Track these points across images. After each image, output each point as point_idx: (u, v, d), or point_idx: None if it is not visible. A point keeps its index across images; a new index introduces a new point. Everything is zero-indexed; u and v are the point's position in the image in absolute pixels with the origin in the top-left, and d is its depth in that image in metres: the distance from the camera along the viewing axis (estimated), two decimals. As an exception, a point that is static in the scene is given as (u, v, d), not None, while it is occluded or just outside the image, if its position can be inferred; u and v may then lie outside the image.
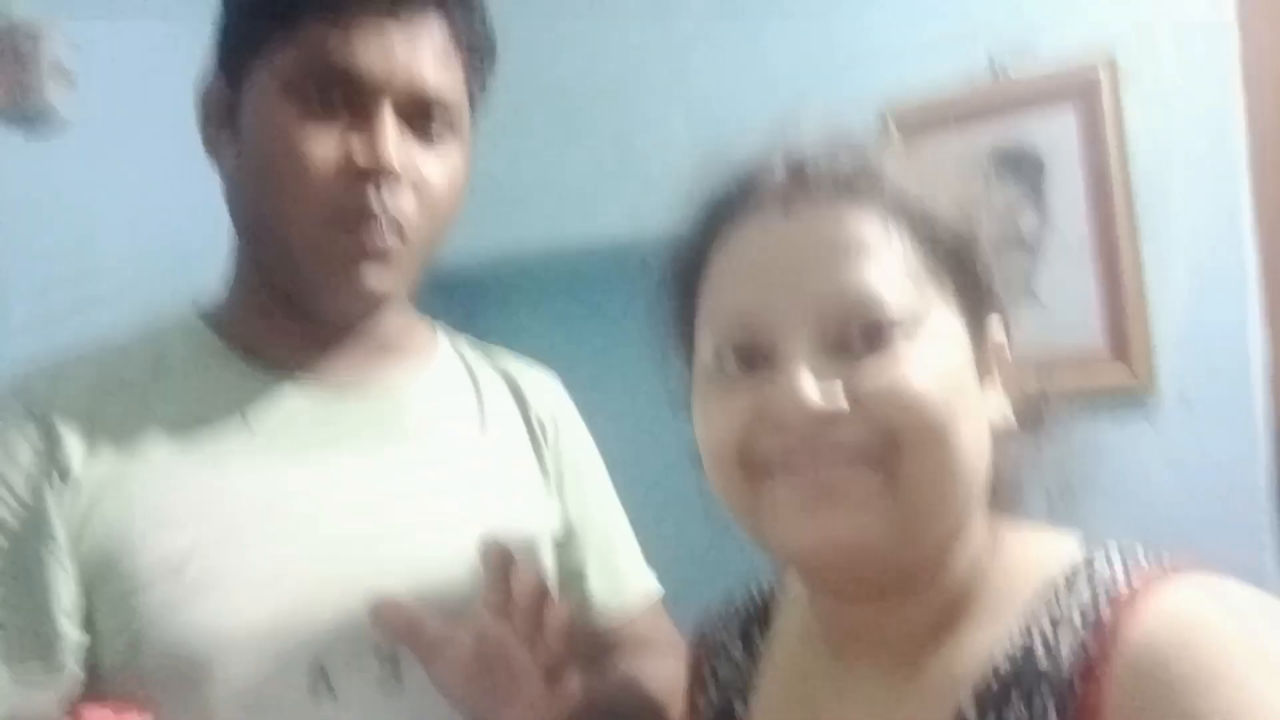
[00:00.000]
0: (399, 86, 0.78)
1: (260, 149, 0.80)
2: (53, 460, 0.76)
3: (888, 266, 0.61)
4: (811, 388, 0.59)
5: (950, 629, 0.64)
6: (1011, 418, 0.66)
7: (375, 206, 0.78)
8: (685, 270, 0.69)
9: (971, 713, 0.59)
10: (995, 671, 0.60)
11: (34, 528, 0.76)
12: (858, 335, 0.60)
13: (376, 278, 0.80)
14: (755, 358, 0.62)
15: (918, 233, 0.62)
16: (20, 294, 1.90)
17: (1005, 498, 0.68)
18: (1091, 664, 0.56)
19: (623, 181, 1.89)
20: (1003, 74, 1.60)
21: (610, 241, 1.78)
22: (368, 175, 0.77)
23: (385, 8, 0.78)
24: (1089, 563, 0.61)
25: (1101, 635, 0.56)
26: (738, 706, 0.74)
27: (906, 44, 1.68)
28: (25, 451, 0.77)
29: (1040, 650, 0.58)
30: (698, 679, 0.79)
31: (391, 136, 0.78)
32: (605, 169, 1.94)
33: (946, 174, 0.68)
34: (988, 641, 0.61)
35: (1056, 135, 1.57)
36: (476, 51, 0.85)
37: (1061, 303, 1.53)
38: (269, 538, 0.79)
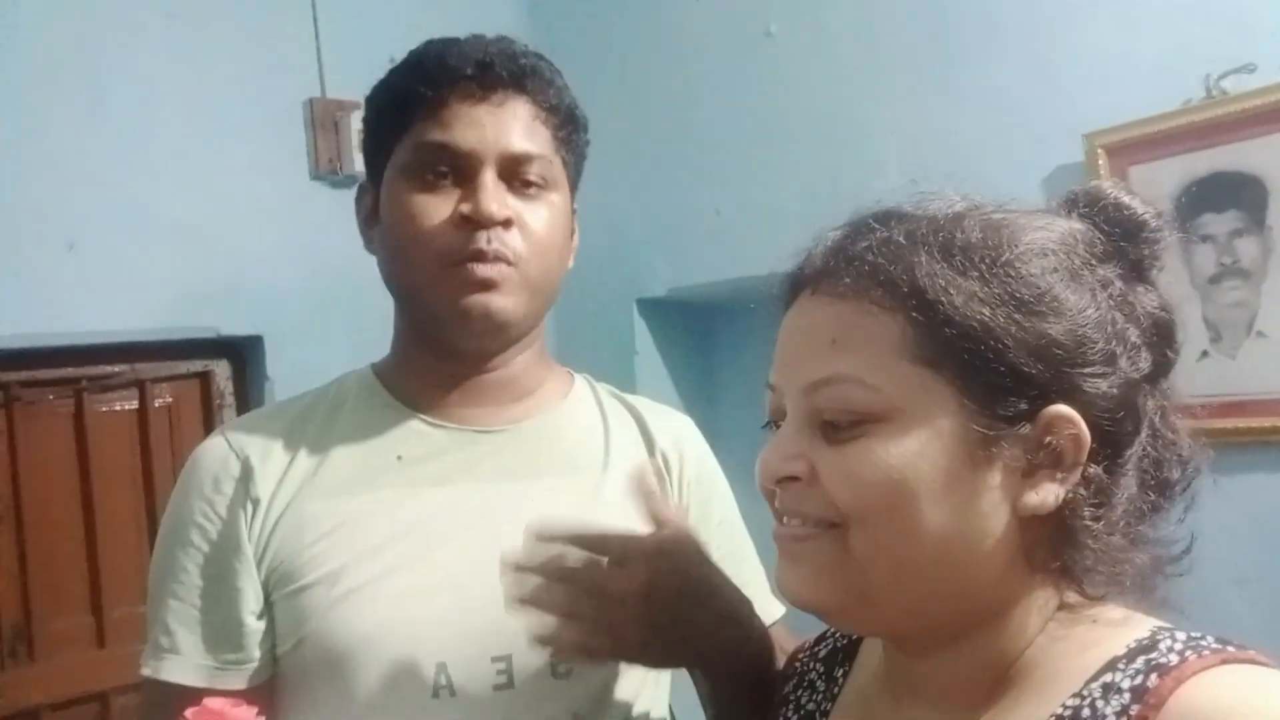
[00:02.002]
0: (492, 154, 0.94)
1: (391, 220, 0.97)
2: (247, 491, 0.94)
3: (865, 356, 0.63)
4: (773, 455, 0.66)
5: (1007, 692, 0.65)
6: (1049, 504, 0.64)
7: (483, 246, 0.93)
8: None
9: None
10: None
11: (230, 543, 0.93)
12: (828, 417, 0.64)
13: (495, 302, 0.94)
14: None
15: (920, 321, 0.63)
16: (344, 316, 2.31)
17: (1085, 575, 0.67)
18: None
19: (835, 213, 1.97)
20: (1220, 94, 1.53)
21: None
22: (473, 223, 0.92)
23: (475, 99, 0.94)
24: (1154, 643, 0.61)
25: (1146, 703, 0.57)
26: None
27: (1117, 67, 1.63)
28: (228, 483, 0.95)
29: (1087, 714, 0.59)
30: (783, 701, 0.85)
31: (490, 191, 0.93)
32: (819, 202, 2.03)
33: (995, 253, 0.65)
34: (1042, 706, 0.62)
35: (1280, 158, 1.47)
36: (559, 119, 0.99)
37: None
38: (407, 555, 0.93)
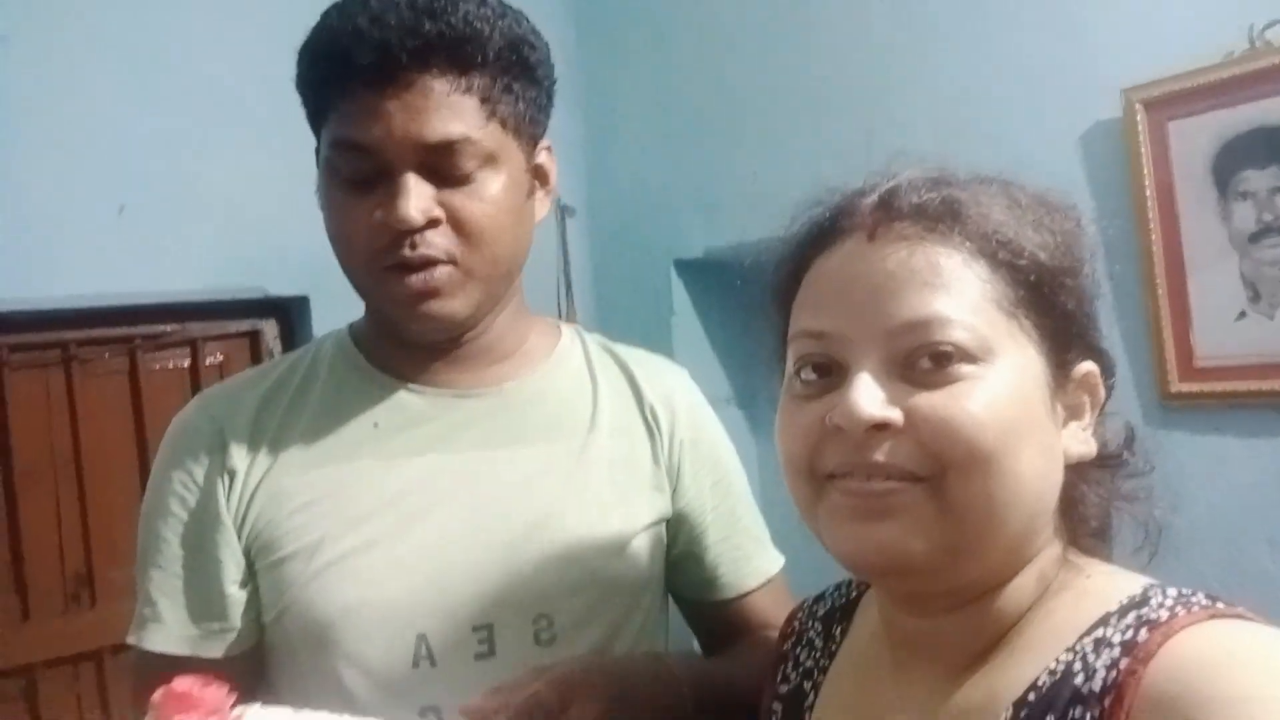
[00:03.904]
0: (406, 148, 0.85)
1: (325, 217, 0.92)
2: (224, 463, 0.93)
3: (963, 299, 0.62)
4: (868, 401, 0.61)
5: (1005, 649, 0.66)
6: (1092, 453, 0.67)
7: (406, 254, 0.86)
8: (781, 290, 0.72)
9: None
10: (1035, 687, 0.62)
11: (209, 514, 0.92)
12: (925, 361, 0.62)
13: (438, 308, 0.89)
14: (831, 374, 0.66)
15: (1000, 270, 0.64)
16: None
17: (1089, 534, 0.69)
18: (1121, 683, 0.57)
19: (870, 172, 1.95)
20: (1264, 45, 1.48)
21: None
22: (395, 231, 0.86)
23: (376, 88, 0.84)
24: (1145, 599, 0.62)
25: (1134, 657, 0.58)
26: (807, 690, 0.80)
27: (1157, 19, 1.59)
28: (205, 453, 0.93)
29: (1078, 668, 0.60)
30: (782, 658, 0.86)
31: (410, 195, 0.85)
32: (852, 167, 2.01)
33: (1042, 214, 0.68)
34: (1036, 662, 0.63)
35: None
36: (490, 76, 0.88)
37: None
38: (387, 525, 0.91)
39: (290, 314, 2.41)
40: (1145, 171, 1.60)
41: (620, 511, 0.98)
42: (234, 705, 0.68)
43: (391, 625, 0.90)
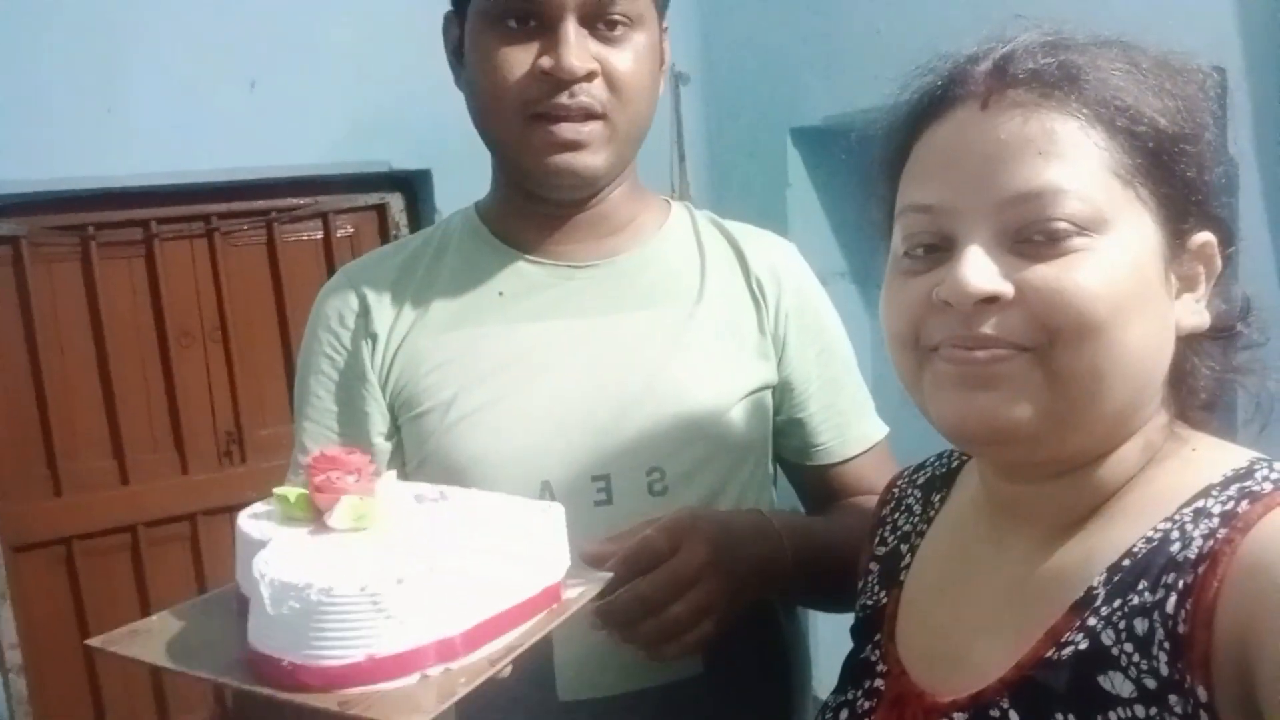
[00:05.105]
0: (573, 3, 0.90)
1: (475, 69, 0.95)
2: (367, 326, 1.01)
3: (1078, 168, 0.60)
4: (977, 272, 0.60)
5: (1104, 516, 0.65)
6: (1205, 325, 0.66)
7: (565, 102, 0.91)
8: (889, 162, 0.70)
9: (1101, 589, 0.62)
10: (1131, 553, 0.61)
11: (356, 372, 1.02)
12: (1037, 232, 0.60)
13: (581, 162, 0.94)
14: (939, 247, 0.64)
15: (1118, 137, 0.61)
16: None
17: (1198, 406, 0.68)
18: (1217, 552, 0.56)
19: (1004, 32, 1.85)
20: None
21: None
22: (555, 78, 0.90)
23: None
24: (1250, 472, 0.61)
25: (1233, 527, 0.57)
26: (904, 553, 0.81)
27: None
28: (350, 319, 1.02)
29: (1176, 536, 0.60)
30: (880, 522, 0.87)
31: (573, 45, 0.90)
32: (987, 20, 1.91)
33: (1164, 78, 0.64)
34: (1134, 529, 0.63)
35: None
36: None
37: None
38: (511, 384, 0.98)
39: (414, 187, 2.47)
40: (1305, 27, 1.47)
41: (726, 375, 1.02)
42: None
43: (518, 472, 0.96)
